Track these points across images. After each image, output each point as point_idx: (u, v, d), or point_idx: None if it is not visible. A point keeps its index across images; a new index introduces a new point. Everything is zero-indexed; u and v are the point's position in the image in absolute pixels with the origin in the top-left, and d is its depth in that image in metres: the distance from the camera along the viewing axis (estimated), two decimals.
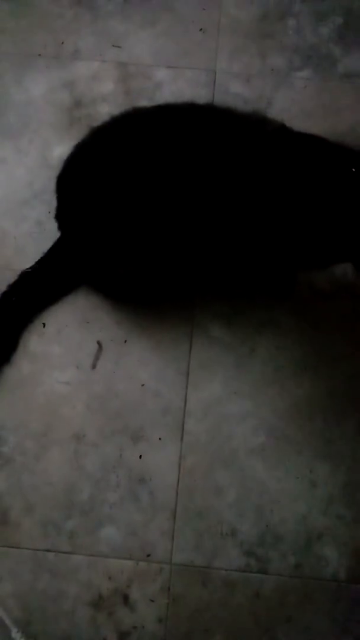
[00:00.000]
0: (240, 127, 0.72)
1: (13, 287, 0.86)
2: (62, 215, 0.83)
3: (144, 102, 0.99)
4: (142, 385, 0.85)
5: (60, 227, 0.85)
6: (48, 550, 0.78)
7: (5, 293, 0.86)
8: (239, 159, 0.70)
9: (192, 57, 1.01)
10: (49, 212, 0.92)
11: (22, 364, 0.86)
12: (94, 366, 0.84)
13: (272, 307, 0.87)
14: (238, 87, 0.98)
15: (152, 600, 0.77)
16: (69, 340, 0.87)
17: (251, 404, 0.84)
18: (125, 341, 0.87)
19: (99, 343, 0.84)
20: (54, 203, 0.85)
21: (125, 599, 0.77)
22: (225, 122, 0.73)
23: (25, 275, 0.87)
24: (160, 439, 0.82)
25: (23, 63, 1.03)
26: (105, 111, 1.00)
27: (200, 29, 1.03)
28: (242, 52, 1.01)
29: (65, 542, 0.79)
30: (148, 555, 0.78)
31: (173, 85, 1.00)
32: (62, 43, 1.04)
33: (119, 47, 1.03)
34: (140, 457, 0.82)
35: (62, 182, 0.81)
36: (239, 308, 0.88)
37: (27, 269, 0.88)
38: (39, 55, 1.03)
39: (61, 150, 0.96)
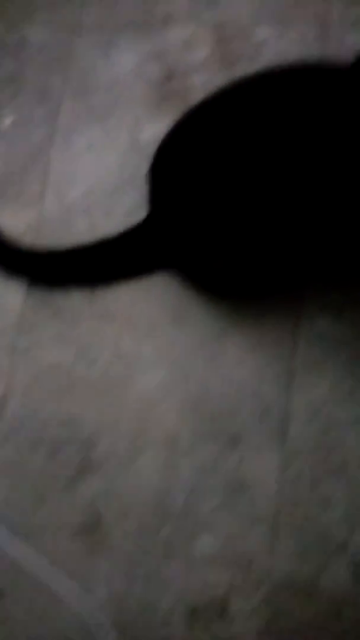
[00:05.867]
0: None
1: (87, 247, 0.93)
2: (154, 202, 0.87)
3: (243, 69, 1.00)
4: (240, 385, 0.88)
5: (152, 216, 0.89)
6: (142, 557, 0.85)
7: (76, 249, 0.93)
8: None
9: (301, 8, 1.00)
10: (140, 200, 0.97)
11: (114, 364, 0.92)
12: None
13: None
14: (356, 39, 0.95)
15: (251, 613, 0.81)
16: (161, 339, 0.92)
17: None
18: (221, 337, 0.90)
19: None
20: (144, 191, 0.89)
21: (223, 610, 0.82)
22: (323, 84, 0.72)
23: (103, 242, 0.93)
24: (260, 444, 0.85)
25: (110, 35, 1.07)
26: (199, 82, 1.02)
27: None
28: None
29: (160, 548, 0.85)
30: (247, 567, 0.82)
31: (277, 45, 1.00)
32: (152, 8, 1.06)
33: (215, 4, 1.03)
34: (239, 463, 0.85)
35: (155, 167, 0.85)
36: (352, 297, 0.88)
37: (107, 237, 0.93)
38: (126, 24, 1.07)
39: (152, 130, 1.00)
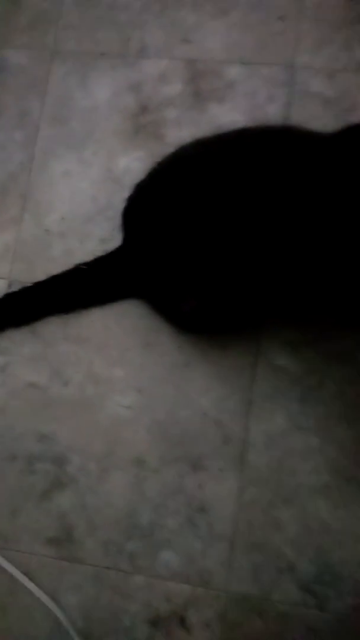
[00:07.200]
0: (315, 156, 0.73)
1: (64, 275, 0.96)
2: (128, 236, 0.89)
3: (213, 105, 1.01)
4: (204, 413, 0.91)
5: (125, 248, 0.91)
6: (109, 568, 0.89)
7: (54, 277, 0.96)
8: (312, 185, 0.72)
9: (269, 51, 1.01)
10: (113, 230, 0.98)
11: (87, 385, 0.95)
12: None
13: (346, 338, 0.89)
14: (319, 85, 0.97)
15: (208, 625, 0.86)
16: (131, 364, 0.95)
17: (317, 441, 0.88)
18: (187, 365, 0.93)
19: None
20: (117, 220, 0.92)
21: (182, 621, 0.87)
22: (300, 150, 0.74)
23: (77, 269, 0.97)
24: (220, 469, 0.89)
25: (87, 63, 1.08)
26: (172, 117, 1.03)
27: (280, 17, 1.01)
28: (326, 44, 0.99)
29: (126, 562, 0.89)
30: (205, 582, 0.87)
31: (247, 85, 1.01)
32: (129, 39, 1.06)
33: (188, 41, 1.04)
34: (200, 486, 0.89)
35: (133, 204, 0.87)
36: (309, 337, 0.92)
37: (82, 264, 0.97)
38: (103, 54, 1.06)
39: (125, 161, 1.02)
